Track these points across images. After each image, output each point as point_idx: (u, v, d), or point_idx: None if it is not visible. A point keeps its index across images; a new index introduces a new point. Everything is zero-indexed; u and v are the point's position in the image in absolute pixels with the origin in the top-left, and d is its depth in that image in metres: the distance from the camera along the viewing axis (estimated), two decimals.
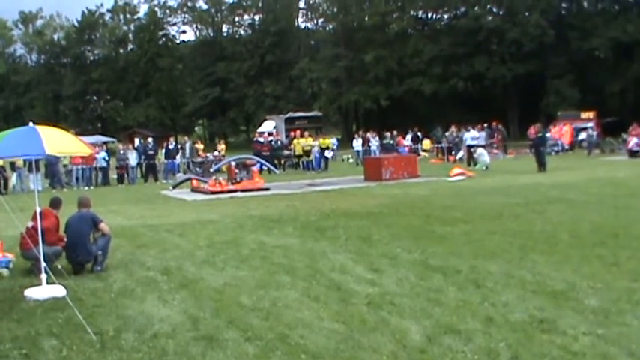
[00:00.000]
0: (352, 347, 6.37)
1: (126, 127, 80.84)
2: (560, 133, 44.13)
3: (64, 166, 30.00)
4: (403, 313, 7.43)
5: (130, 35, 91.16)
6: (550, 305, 7.52)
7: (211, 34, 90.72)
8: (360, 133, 44.75)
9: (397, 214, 15.56)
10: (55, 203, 10.81)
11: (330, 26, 79.32)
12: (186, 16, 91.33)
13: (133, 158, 32.26)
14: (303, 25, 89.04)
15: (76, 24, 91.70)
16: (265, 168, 28.75)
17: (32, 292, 8.71)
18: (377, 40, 68.92)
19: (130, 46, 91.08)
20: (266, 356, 6.24)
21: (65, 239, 10.31)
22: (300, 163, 36.92)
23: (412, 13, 72.12)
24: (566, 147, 42.99)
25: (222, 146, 38.02)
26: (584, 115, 47.34)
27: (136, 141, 46.75)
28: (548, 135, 40.28)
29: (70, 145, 9.48)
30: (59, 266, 9.65)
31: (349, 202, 18.55)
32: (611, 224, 12.76)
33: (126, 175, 32.00)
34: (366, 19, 71.73)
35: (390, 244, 11.55)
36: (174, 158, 34.37)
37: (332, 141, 38.02)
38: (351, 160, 41.80)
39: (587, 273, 8.89)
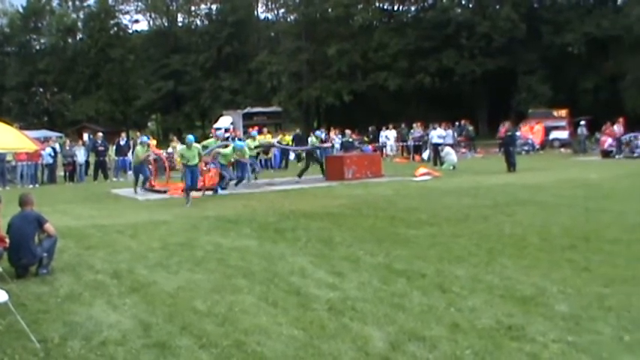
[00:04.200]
0: (312, 355, 6.37)
1: (74, 122, 79.86)
2: (531, 131, 44.63)
3: (7, 162, 29.53)
4: (365, 318, 7.45)
5: (79, 23, 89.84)
6: (519, 311, 7.59)
7: (166, 24, 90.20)
8: (322, 129, 44.78)
9: (360, 216, 15.61)
10: None
11: (292, 17, 79.23)
12: (139, 4, 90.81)
13: (81, 154, 31.91)
14: (262, 16, 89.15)
15: (20, 10, 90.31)
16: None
17: None
18: (340, 32, 69.06)
19: (79, 35, 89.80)
20: None
21: (7, 240, 10.15)
22: (259, 162, 36.80)
23: (377, 4, 72.46)
24: (537, 146, 43.47)
25: (175, 142, 37.71)
26: (557, 113, 47.94)
27: (85, 136, 46.26)
28: (518, 134, 40.73)
29: (13, 141, 9.35)
30: (0, 269, 9.52)
31: (310, 203, 18.57)
32: (582, 227, 12.94)
33: (74, 173, 31.63)
34: (330, 10, 71.76)
35: (352, 247, 11.58)
36: (126, 155, 34.03)
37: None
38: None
39: (558, 278, 9.00)
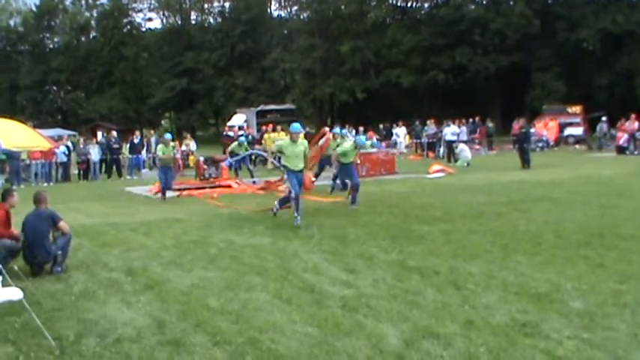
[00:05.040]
0: (326, 352, 6.38)
1: (88, 120, 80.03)
2: (545, 128, 44.45)
3: (22, 160, 29.65)
4: (379, 316, 7.45)
5: (93, 22, 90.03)
6: (533, 308, 7.58)
7: (179, 22, 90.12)
8: (334, 125, 44.74)
9: (374, 213, 15.60)
10: (3, 195, 10.57)
11: (305, 15, 78.96)
12: (153, 2, 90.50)
13: (95, 153, 31.98)
14: (276, 14, 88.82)
15: (34, 9, 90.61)
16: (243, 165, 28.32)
17: None
18: (353, 29, 68.87)
19: (93, 34, 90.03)
20: None
21: (19, 236, 10.18)
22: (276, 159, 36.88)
23: (391, 1, 72.13)
24: (552, 143, 43.30)
25: (189, 140, 37.77)
26: (571, 109, 47.70)
27: (99, 134, 46.41)
28: (532, 130, 40.62)
29: (28, 139, 9.40)
30: (15, 267, 9.57)
31: (323, 200, 18.58)
32: (597, 224, 12.90)
33: (88, 171, 31.73)
34: (343, 7, 71.46)
35: (365, 244, 11.59)
36: (140, 153, 34.13)
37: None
38: None
39: (572, 274, 8.98)
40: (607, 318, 7.17)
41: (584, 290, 8.25)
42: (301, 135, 15.22)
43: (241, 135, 33.32)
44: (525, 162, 27.35)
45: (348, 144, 18.23)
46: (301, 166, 14.93)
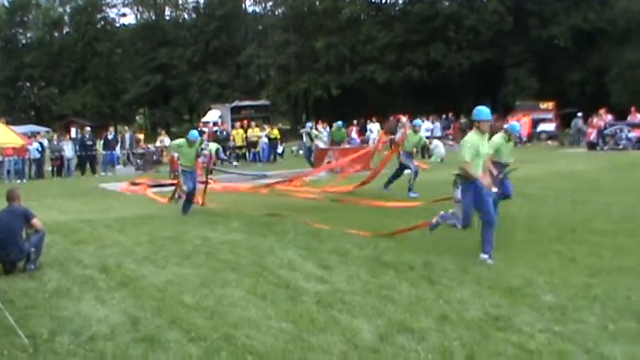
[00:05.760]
0: (301, 348, 6.39)
1: (61, 116, 79.32)
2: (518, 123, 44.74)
3: None
4: (354, 311, 7.48)
5: (66, 17, 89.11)
6: (506, 302, 7.66)
7: (153, 18, 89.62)
8: (306, 123, 44.76)
9: (348, 209, 15.63)
10: None
11: (280, 10, 78.87)
12: None
13: (69, 149, 31.79)
14: (250, 9, 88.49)
15: (6, 4, 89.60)
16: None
17: None
18: (328, 25, 68.86)
19: (66, 29, 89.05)
20: (210, 358, 6.23)
21: None
22: (247, 155, 36.97)
23: None
24: (525, 138, 43.60)
25: (163, 136, 37.63)
26: (543, 105, 48.09)
27: (73, 131, 46.10)
28: (505, 126, 40.75)
29: (0, 136, 9.32)
30: None
31: (298, 196, 18.58)
32: (569, 219, 13.04)
33: (62, 168, 31.53)
34: (317, 3, 71.49)
35: (340, 240, 11.61)
36: (114, 149, 33.99)
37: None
38: (300, 152, 41.75)
39: (545, 269, 9.08)
40: (578, 311, 7.26)
41: (556, 284, 8.34)
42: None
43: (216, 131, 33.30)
44: None
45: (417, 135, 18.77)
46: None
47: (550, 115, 47.10)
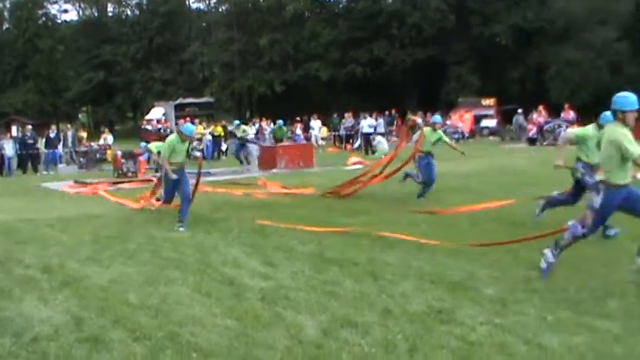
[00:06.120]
0: (246, 344, 6.39)
1: (2, 114, 77.68)
2: (460, 120, 45.36)
3: None
4: (298, 307, 7.50)
5: (6, 13, 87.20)
6: (448, 296, 7.76)
7: (95, 14, 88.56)
8: (255, 120, 44.67)
9: (292, 205, 15.66)
10: None
11: (223, 7, 78.54)
12: None
13: (9, 148, 31.25)
14: (194, 6, 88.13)
15: None
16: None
17: None
18: (272, 22, 68.79)
19: (6, 26, 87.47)
20: (155, 356, 6.19)
21: None
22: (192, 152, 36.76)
23: None
24: (467, 134, 44.22)
25: (106, 134, 37.22)
26: (485, 102, 48.84)
27: (14, 129, 45.23)
28: (448, 122, 41.54)
29: None
30: None
31: (242, 193, 18.56)
32: (509, 213, 13.22)
33: (2, 166, 30.97)
34: (261, 0, 71.43)
35: (285, 237, 11.63)
36: (56, 147, 33.48)
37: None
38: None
39: (486, 262, 9.22)
40: (518, 303, 7.40)
41: (497, 277, 8.48)
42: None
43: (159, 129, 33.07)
44: None
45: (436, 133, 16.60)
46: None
47: (491, 112, 47.93)
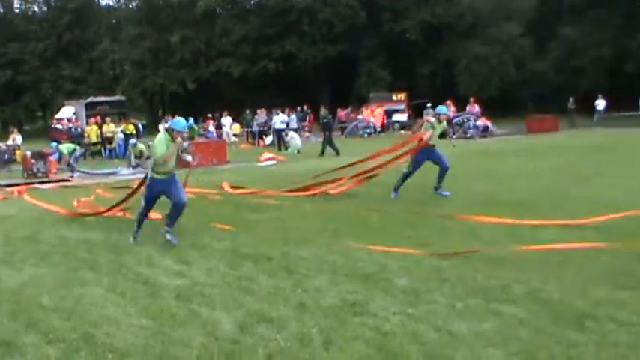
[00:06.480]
0: (162, 342, 6.39)
1: None
2: (372, 115, 45.85)
3: None
4: (214, 303, 7.54)
5: None
6: (362, 288, 7.89)
7: (1, 11, 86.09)
8: (167, 118, 44.24)
9: (205, 203, 15.62)
10: None
11: (134, 4, 77.30)
12: None
13: None
14: (104, 2, 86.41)
15: None
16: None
17: None
18: (183, 19, 68.03)
19: None
20: (69, 358, 6.13)
21: None
22: (102, 151, 36.37)
23: None
24: (379, 129, 44.68)
25: (15, 134, 36.30)
26: (396, 96, 49.46)
27: None
28: (360, 117, 42.00)
29: None
30: None
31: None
32: (420, 205, 13.50)
33: None
34: None
35: (198, 234, 11.63)
36: None
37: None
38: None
39: (398, 254, 9.39)
40: (429, 293, 7.58)
41: (409, 268, 8.65)
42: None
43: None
44: (335, 150, 27.78)
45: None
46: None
47: (402, 106, 48.54)
